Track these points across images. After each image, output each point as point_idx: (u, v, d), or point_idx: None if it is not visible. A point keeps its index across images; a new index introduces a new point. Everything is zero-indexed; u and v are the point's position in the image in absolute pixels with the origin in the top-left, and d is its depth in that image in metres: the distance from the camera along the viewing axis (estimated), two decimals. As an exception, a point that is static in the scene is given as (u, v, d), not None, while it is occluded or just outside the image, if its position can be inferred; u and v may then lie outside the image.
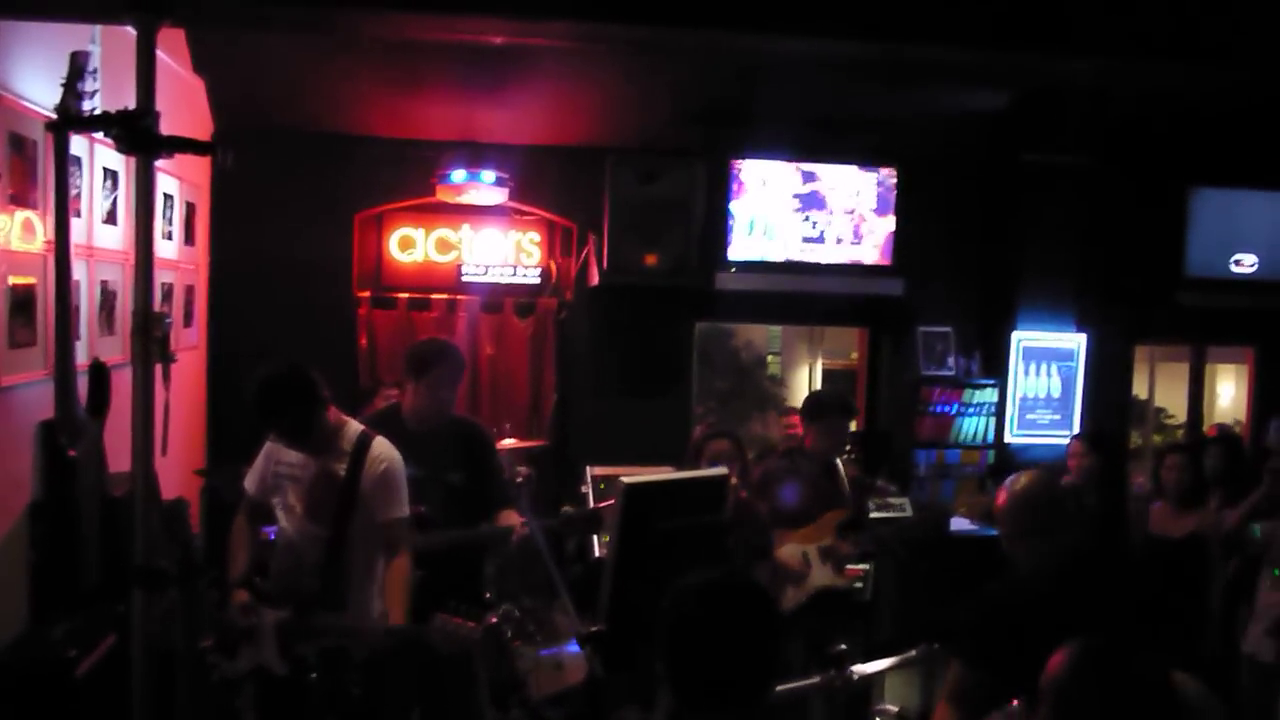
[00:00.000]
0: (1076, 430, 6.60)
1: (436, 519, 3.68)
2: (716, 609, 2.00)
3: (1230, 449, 5.51)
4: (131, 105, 2.49)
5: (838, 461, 4.71)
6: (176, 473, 5.17)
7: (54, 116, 3.28)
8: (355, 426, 3.43)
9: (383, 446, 3.39)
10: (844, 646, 2.84)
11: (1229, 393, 11.98)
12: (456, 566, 3.85)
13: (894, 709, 3.01)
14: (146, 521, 2.56)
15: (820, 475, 4.62)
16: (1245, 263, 6.94)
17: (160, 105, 2.54)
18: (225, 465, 5.42)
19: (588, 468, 5.59)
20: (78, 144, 4.01)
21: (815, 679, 2.82)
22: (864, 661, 2.96)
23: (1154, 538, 5.14)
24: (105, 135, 2.57)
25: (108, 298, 4.46)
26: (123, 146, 2.54)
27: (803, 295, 6.62)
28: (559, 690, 4.20)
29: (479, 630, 2.87)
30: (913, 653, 3.00)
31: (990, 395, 6.77)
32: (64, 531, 3.45)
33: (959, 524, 6.18)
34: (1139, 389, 8.19)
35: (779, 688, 2.17)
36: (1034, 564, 2.86)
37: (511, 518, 3.96)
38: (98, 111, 2.96)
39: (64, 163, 3.48)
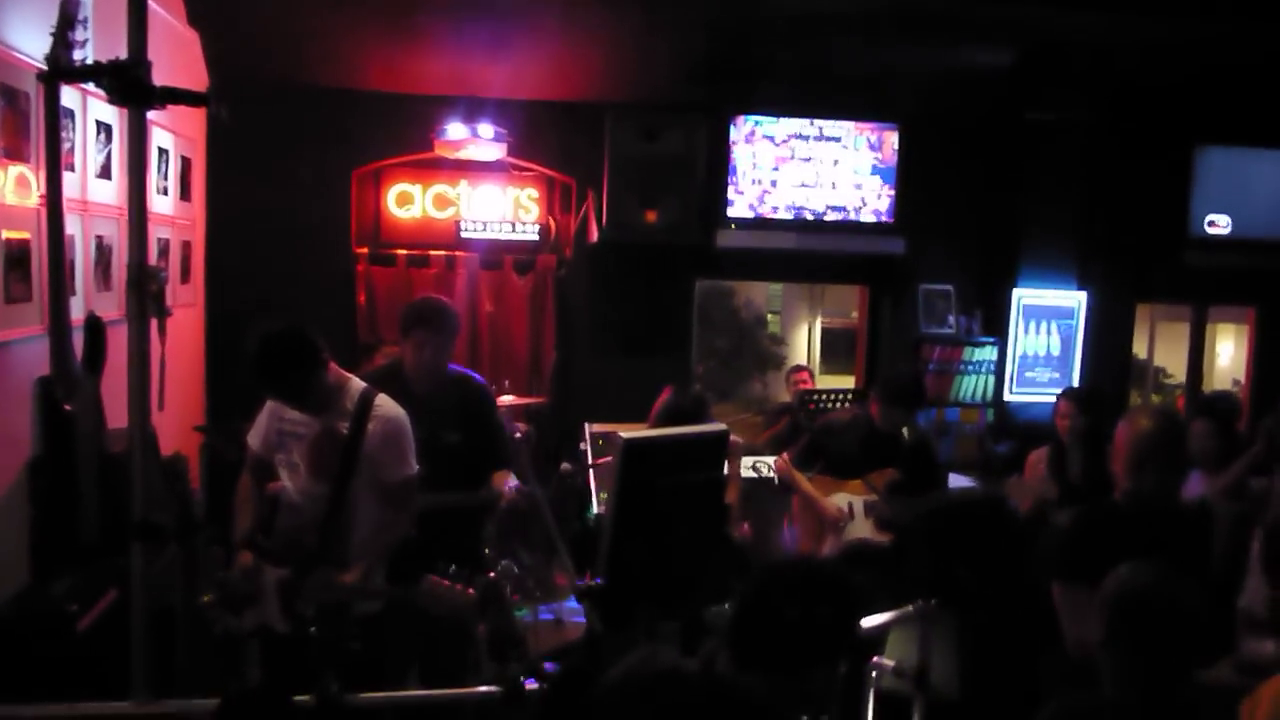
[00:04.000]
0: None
1: (433, 478, 3.68)
2: (806, 599, 2.05)
3: (1222, 419, 5.47)
4: (124, 57, 2.45)
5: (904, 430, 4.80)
6: (176, 429, 5.17)
7: (45, 67, 3.23)
8: (358, 384, 3.38)
9: (386, 404, 3.36)
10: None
11: (1229, 352, 11.98)
12: (455, 524, 3.86)
13: (890, 663, 3.02)
14: (144, 476, 2.57)
15: (879, 434, 4.75)
16: (1220, 224, 6.92)
17: (155, 59, 2.50)
18: (224, 422, 5.43)
19: (586, 425, 5.58)
20: (70, 97, 3.96)
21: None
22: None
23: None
24: (97, 86, 2.53)
25: (103, 253, 4.43)
26: (115, 98, 2.51)
27: (803, 253, 6.59)
28: (558, 646, 4.23)
29: (470, 595, 2.86)
30: (909, 609, 3.01)
31: (990, 353, 6.77)
32: (63, 487, 3.45)
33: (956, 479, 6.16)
34: (1139, 348, 8.18)
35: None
36: None
37: (505, 479, 3.96)
38: (89, 61, 2.91)
39: (56, 115, 3.41)
